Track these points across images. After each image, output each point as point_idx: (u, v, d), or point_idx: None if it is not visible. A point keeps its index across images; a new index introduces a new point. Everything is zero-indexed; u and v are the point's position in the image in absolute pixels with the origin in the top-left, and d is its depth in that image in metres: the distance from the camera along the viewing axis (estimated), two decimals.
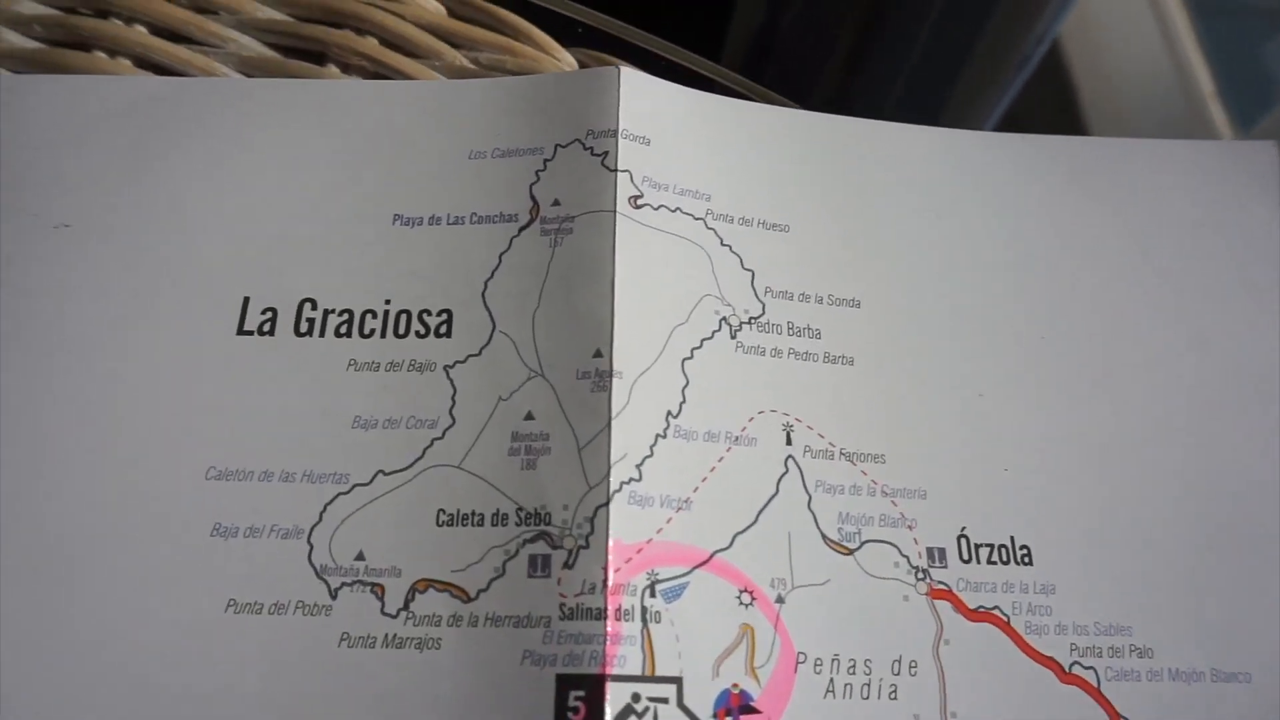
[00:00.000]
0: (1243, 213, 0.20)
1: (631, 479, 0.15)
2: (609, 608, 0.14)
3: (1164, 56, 1.10)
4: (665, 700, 0.14)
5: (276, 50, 0.21)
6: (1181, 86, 1.05)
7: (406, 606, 0.15)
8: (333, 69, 0.20)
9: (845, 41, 0.72)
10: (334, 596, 0.15)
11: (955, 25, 0.62)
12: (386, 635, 0.15)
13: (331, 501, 0.16)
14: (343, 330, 0.17)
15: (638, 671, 0.14)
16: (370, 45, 0.20)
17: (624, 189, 0.18)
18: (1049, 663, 0.16)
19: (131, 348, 0.17)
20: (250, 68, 0.20)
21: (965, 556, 0.16)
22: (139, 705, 0.14)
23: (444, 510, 0.16)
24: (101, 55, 0.20)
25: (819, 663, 0.15)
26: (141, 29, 0.21)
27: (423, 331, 0.17)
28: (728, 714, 0.14)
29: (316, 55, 0.21)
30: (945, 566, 0.16)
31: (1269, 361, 0.18)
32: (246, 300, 0.18)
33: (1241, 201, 0.20)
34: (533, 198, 0.18)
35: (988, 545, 0.16)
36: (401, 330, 0.17)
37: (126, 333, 0.17)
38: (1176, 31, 1.00)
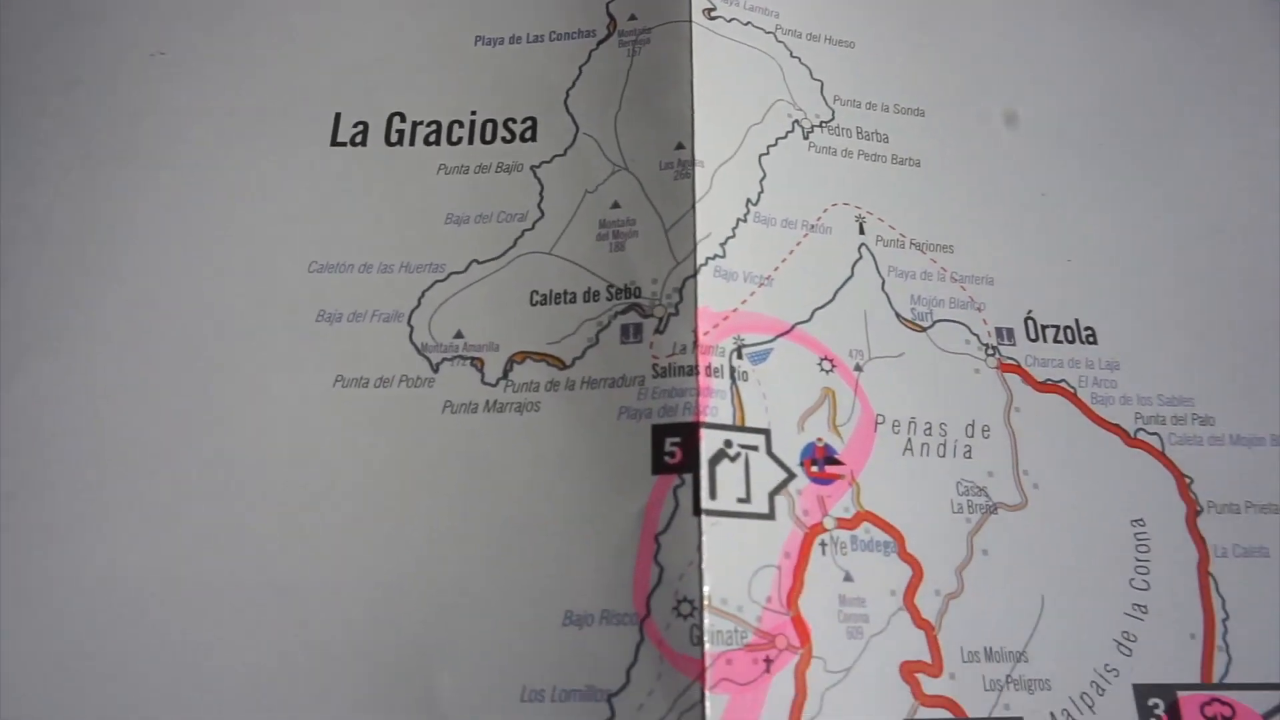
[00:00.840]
0: None
1: (716, 255, 0.16)
2: (700, 365, 0.15)
3: None
4: (755, 448, 0.15)
5: None
6: None
7: (506, 375, 0.16)
8: None
9: None
10: (435, 370, 0.16)
11: None
12: (487, 401, 0.16)
13: (429, 288, 0.17)
14: (431, 139, 0.18)
15: (729, 421, 0.15)
16: None
17: (698, 1, 0.18)
18: (1115, 429, 0.17)
19: (234, 162, 0.18)
20: None
21: (1032, 336, 0.17)
22: (257, 471, 0.15)
23: (537, 291, 0.16)
24: None
25: (897, 424, 0.16)
26: None
27: (508, 137, 0.18)
28: (813, 464, 0.15)
29: None
30: (1014, 344, 0.17)
31: None
32: (338, 116, 0.18)
33: None
34: (609, 14, 0.19)
35: (1054, 326, 0.17)
36: (488, 137, 0.18)
37: (228, 149, 0.18)
38: None
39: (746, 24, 0.19)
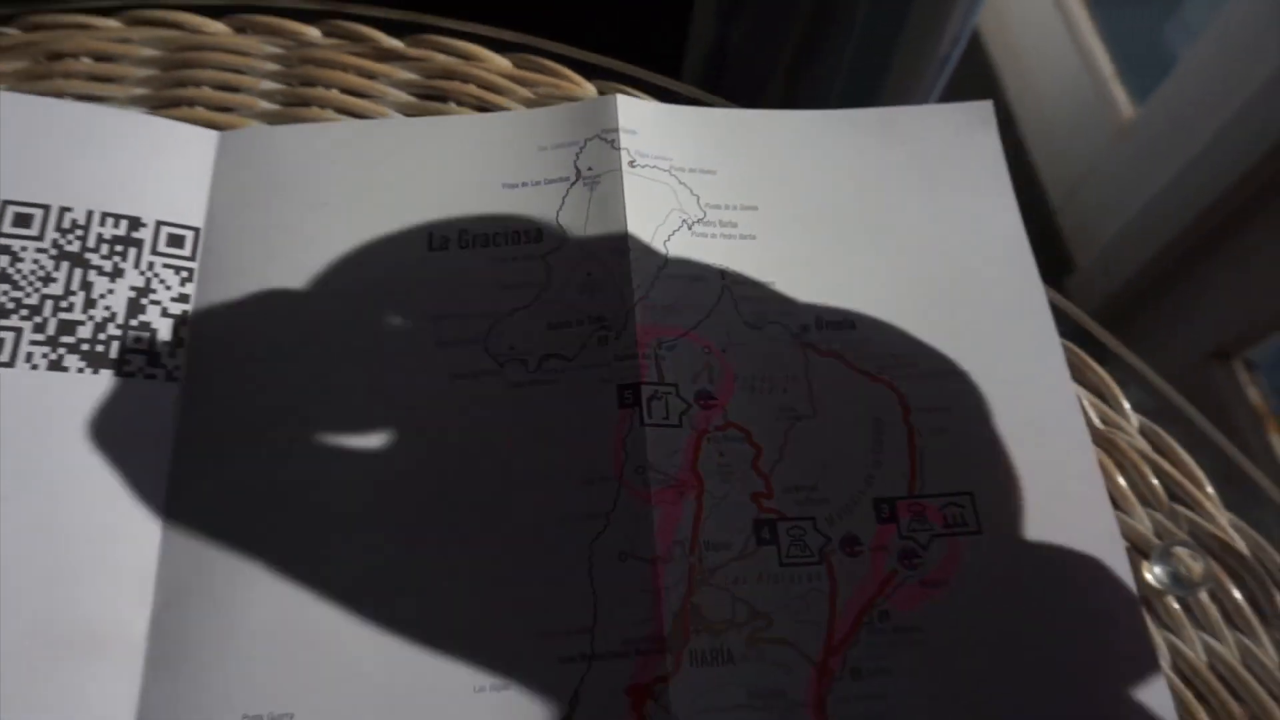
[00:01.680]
0: (972, 149, 0.35)
1: (644, 297, 0.30)
2: (640, 353, 0.29)
3: (1070, 48, 1.30)
4: (670, 393, 0.29)
5: (415, 97, 0.36)
6: (1087, 71, 1.24)
7: (540, 366, 0.30)
8: (452, 105, 0.36)
9: (785, 54, 0.90)
10: (501, 366, 0.30)
11: (875, 36, 0.79)
12: (531, 380, 0.30)
13: (495, 323, 0.31)
14: (484, 244, 0.32)
15: (655, 380, 0.29)
16: (472, 89, 0.36)
17: (625, 158, 0.33)
18: (865, 373, 0.31)
19: (373, 256, 0.32)
20: (405, 109, 0.36)
21: (820, 328, 0.32)
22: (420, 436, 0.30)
23: (552, 322, 0.31)
24: (317, 109, 0.36)
25: (746, 378, 0.30)
26: (336, 92, 0.36)
27: (526, 240, 0.32)
28: (699, 399, 0.30)
29: (441, 98, 0.36)
30: (810, 333, 0.31)
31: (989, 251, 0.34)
32: (430, 233, 0.33)
33: (973, 141, 0.35)
34: (577, 168, 0.33)
35: (831, 323, 0.32)
36: (516, 241, 0.32)
37: (369, 249, 0.32)
38: (1078, 26, 1.20)
39: (653, 167, 0.33)
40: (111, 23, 0.36)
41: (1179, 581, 0.30)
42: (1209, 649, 0.30)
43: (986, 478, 0.29)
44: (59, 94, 0.35)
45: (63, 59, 0.36)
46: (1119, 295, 1.25)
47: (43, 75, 0.35)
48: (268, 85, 0.36)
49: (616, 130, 0.33)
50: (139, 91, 0.35)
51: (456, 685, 0.25)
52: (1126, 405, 0.33)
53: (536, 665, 0.26)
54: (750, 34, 1.00)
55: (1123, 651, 0.27)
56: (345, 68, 0.36)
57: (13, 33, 0.36)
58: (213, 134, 0.33)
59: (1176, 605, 0.30)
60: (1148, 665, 0.27)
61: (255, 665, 0.26)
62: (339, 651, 0.26)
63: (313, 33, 0.37)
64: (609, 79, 0.36)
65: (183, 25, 0.37)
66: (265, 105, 0.35)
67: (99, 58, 0.36)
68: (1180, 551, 0.30)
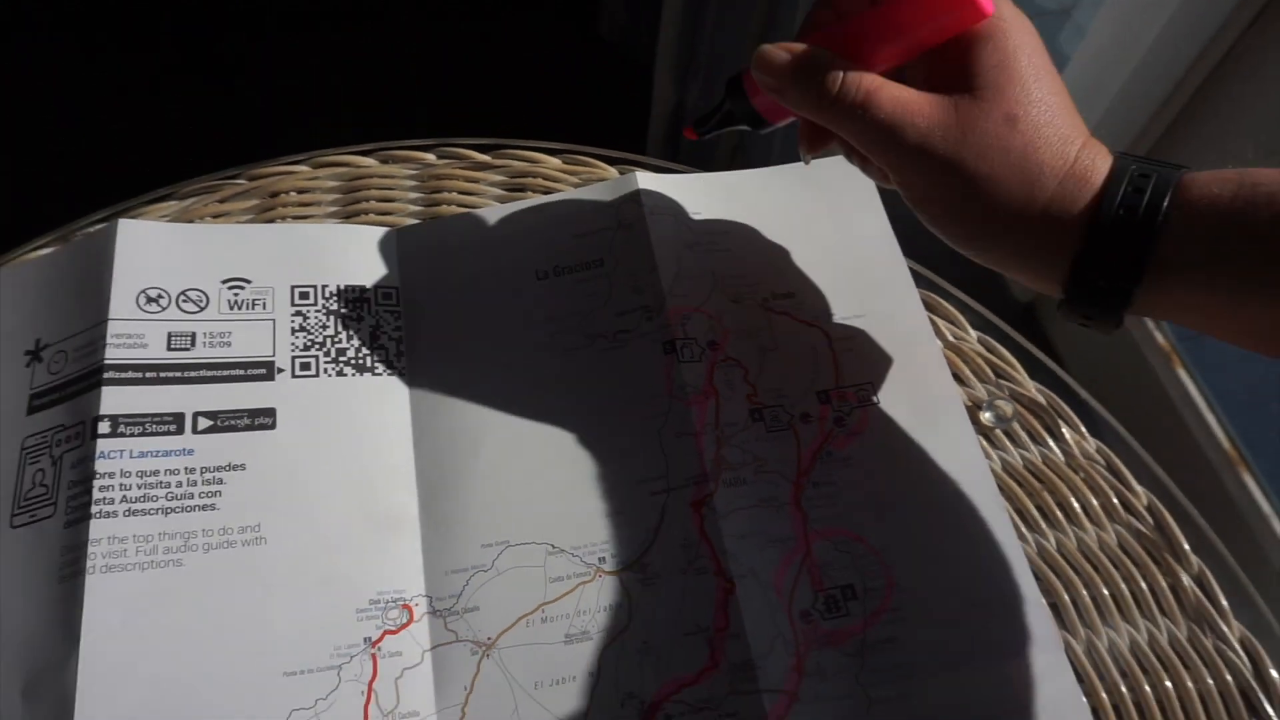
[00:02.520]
0: (859, 181, 0.57)
1: (670, 293, 0.53)
2: (671, 324, 0.51)
3: None
4: (692, 345, 0.51)
5: (504, 190, 0.58)
6: None
7: (614, 337, 0.52)
8: (529, 194, 0.58)
9: None
10: (591, 342, 0.52)
11: None
12: (611, 343, 0.52)
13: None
14: (570, 272, 0.54)
15: (682, 338, 0.51)
16: (539, 181, 0.58)
17: (646, 211, 0.55)
18: (805, 322, 0.53)
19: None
20: (499, 200, 0.58)
21: (778, 299, 0.54)
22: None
23: (617, 312, 0.53)
24: (444, 206, 0.58)
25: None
26: (455, 194, 0.58)
27: (592, 266, 0.54)
28: (710, 345, 0.52)
29: (521, 189, 0.58)
30: (780, 299, 0.53)
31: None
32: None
33: (858, 176, 0.57)
34: (617, 220, 0.55)
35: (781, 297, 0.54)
36: (575, 269, 0.54)
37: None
38: None
39: (664, 214, 0.55)
40: (304, 167, 0.58)
41: (1000, 419, 0.52)
42: (1024, 456, 0.51)
43: (879, 374, 0.51)
44: (281, 219, 0.56)
45: (278, 195, 0.57)
46: None
47: (269, 209, 0.57)
48: (412, 195, 0.58)
49: (638, 194, 0.55)
50: (331, 209, 0.57)
51: (596, 510, 0.47)
52: (969, 329, 0.55)
53: (640, 497, 0.47)
54: (702, 94, 1.24)
55: (963, 459, 0.49)
56: (456, 178, 0.58)
57: (241, 182, 0.58)
58: (393, 230, 0.55)
59: (1001, 434, 0.52)
60: (980, 468, 0.49)
61: (479, 518, 0.47)
62: (526, 503, 0.47)
63: (430, 157, 0.59)
64: (615, 163, 0.58)
65: (349, 164, 0.59)
66: (412, 207, 0.57)
67: (300, 191, 0.58)
68: (1000, 403, 0.52)
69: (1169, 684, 0.45)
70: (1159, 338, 1.38)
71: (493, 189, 0.57)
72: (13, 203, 1.39)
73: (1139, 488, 0.50)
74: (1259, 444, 1.33)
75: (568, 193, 0.56)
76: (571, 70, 1.61)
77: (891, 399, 0.50)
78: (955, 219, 0.37)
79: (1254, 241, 0.32)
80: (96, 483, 0.43)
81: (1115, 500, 0.50)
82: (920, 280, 0.55)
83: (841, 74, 0.37)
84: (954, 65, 0.37)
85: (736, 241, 0.53)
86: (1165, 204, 0.34)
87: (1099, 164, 0.36)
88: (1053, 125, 0.36)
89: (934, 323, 0.54)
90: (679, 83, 1.20)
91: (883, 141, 0.37)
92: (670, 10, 1.19)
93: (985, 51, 0.37)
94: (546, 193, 0.57)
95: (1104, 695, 0.45)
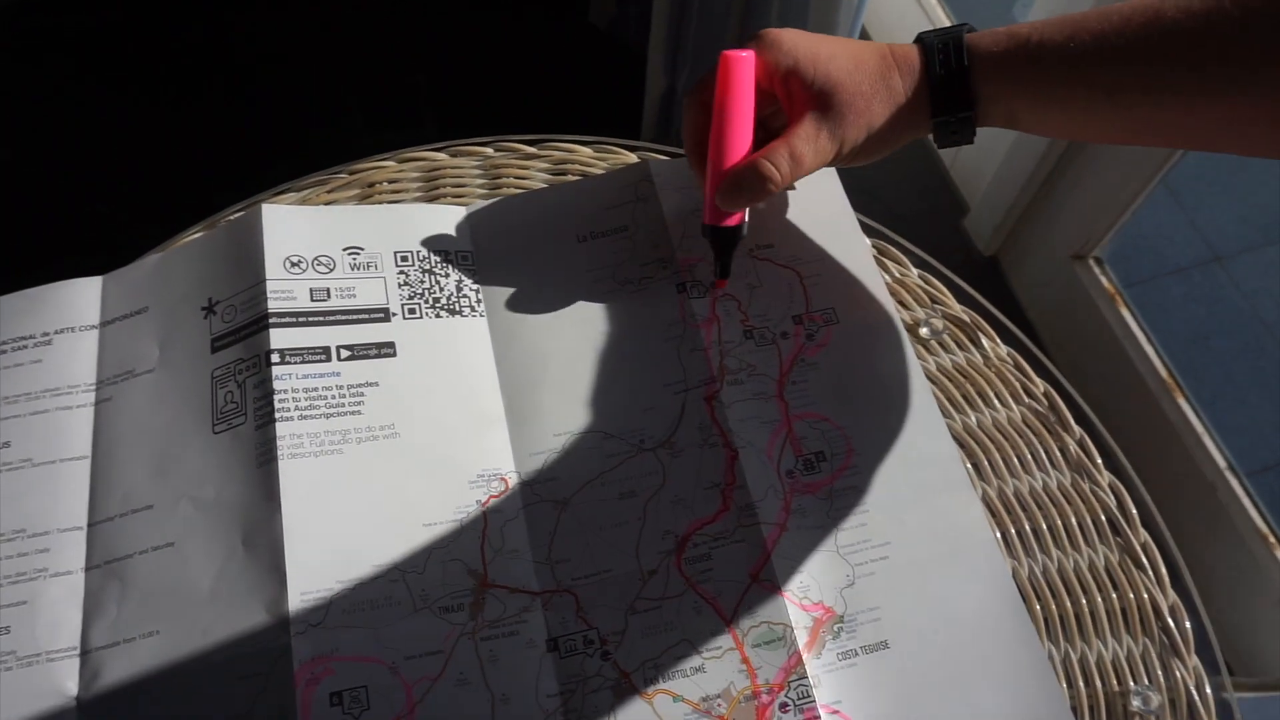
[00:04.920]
0: (826, 175, 0.74)
1: (679, 248, 0.70)
2: (680, 269, 0.69)
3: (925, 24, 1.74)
4: (700, 285, 0.69)
5: (549, 174, 0.75)
6: None
7: (639, 282, 0.69)
8: (569, 176, 0.75)
9: None
10: (621, 286, 0.69)
11: None
12: (635, 289, 0.69)
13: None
14: (594, 238, 0.71)
15: (693, 281, 0.69)
16: (576, 167, 0.75)
17: (657, 187, 0.72)
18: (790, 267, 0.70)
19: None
20: (544, 183, 0.75)
21: (757, 247, 0.71)
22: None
23: (644, 263, 0.70)
24: (503, 188, 0.75)
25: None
26: (511, 178, 0.75)
27: (615, 231, 0.71)
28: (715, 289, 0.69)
29: (563, 174, 0.75)
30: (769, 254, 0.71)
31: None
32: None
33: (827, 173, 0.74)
34: (635, 195, 0.72)
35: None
36: (607, 235, 0.71)
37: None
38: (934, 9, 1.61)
39: (671, 188, 0.72)
40: (392, 163, 0.75)
41: (934, 332, 0.69)
42: (952, 360, 0.69)
43: (839, 301, 0.68)
44: (379, 203, 0.73)
45: (374, 185, 0.74)
46: (1002, 223, 1.65)
47: (368, 195, 0.74)
48: (478, 180, 0.75)
49: (650, 175, 0.72)
50: (417, 194, 0.74)
51: (635, 406, 0.64)
52: (912, 267, 0.73)
53: (666, 395, 0.64)
54: (691, 78, 1.41)
55: (901, 360, 0.66)
56: (511, 166, 0.75)
57: (343, 176, 0.75)
58: (464, 208, 0.72)
59: (935, 344, 0.69)
60: (914, 366, 0.66)
61: (550, 416, 0.64)
62: (582, 403, 0.64)
63: (489, 151, 0.76)
64: (636, 150, 0.75)
65: (425, 158, 0.76)
66: (479, 190, 0.74)
67: (391, 181, 0.75)
68: (933, 320, 0.70)
69: (1057, 519, 0.62)
70: (1104, 282, 1.55)
71: (540, 173, 0.74)
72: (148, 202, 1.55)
73: (1038, 380, 0.67)
74: (1192, 371, 1.51)
75: (595, 177, 0.73)
76: (565, 59, 1.76)
77: (848, 319, 0.67)
78: (879, 151, 0.56)
79: (1030, 69, 0.49)
80: (276, 396, 0.60)
81: (1020, 388, 0.67)
82: (871, 231, 0.72)
83: (769, 166, 0.55)
84: (790, 91, 0.55)
85: None
86: (965, 59, 0.51)
87: (910, 52, 0.53)
88: (859, 57, 0.53)
89: (882, 263, 0.72)
90: (669, 68, 1.35)
91: (818, 165, 0.55)
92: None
93: (783, 71, 0.55)
94: (583, 175, 0.74)
95: (1010, 528, 0.62)
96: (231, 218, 0.69)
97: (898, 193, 1.66)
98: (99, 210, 1.50)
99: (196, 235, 0.68)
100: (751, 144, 0.56)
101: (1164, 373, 1.47)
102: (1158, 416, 1.46)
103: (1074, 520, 0.61)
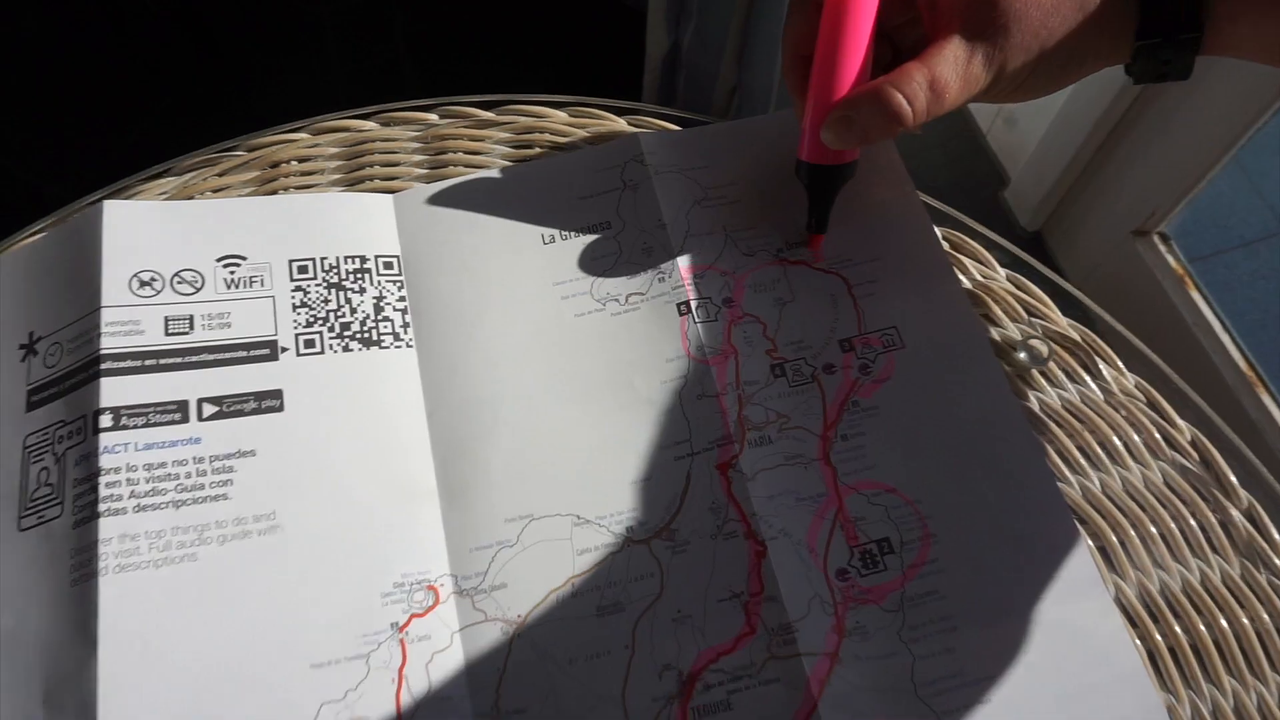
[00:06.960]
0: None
1: (679, 248, 0.50)
2: (685, 284, 0.49)
3: None
4: (709, 303, 0.49)
5: (511, 148, 0.56)
6: None
7: (625, 300, 0.50)
8: (536, 149, 0.55)
9: (728, 48, 1.10)
10: (604, 305, 0.50)
11: None
12: (625, 308, 0.50)
13: (598, 277, 0.51)
14: (586, 234, 0.52)
15: (696, 298, 0.49)
16: (546, 137, 0.56)
17: (651, 170, 0.53)
18: (830, 272, 0.51)
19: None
20: (506, 158, 0.56)
21: (789, 247, 0.51)
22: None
23: (620, 277, 0.51)
24: (451, 168, 0.55)
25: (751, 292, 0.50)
26: (461, 154, 0.56)
27: (599, 228, 0.52)
28: (726, 303, 0.50)
29: (529, 146, 0.56)
30: (791, 251, 0.51)
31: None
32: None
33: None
34: (622, 181, 0.53)
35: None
36: (585, 232, 0.52)
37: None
38: None
39: (669, 172, 0.53)
40: (304, 135, 0.56)
41: (1035, 359, 0.50)
42: (1061, 396, 0.49)
43: (904, 316, 0.49)
44: (285, 190, 0.54)
45: (278, 165, 0.55)
46: (1049, 196, 1.46)
47: (270, 179, 0.55)
48: (416, 158, 0.56)
49: (642, 153, 0.53)
50: (335, 177, 0.55)
51: (620, 478, 0.45)
52: (998, 266, 0.53)
53: (664, 462, 0.45)
54: (695, 38, 1.21)
55: (995, 401, 0.47)
56: (461, 137, 0.56)
57: (241, 153, 0.56)
58: (389, 197, 0.53)
59: (1037, 374, 0.50)
60: (1013, 409, 0.47)
61: (500, 492, 0.45)
62: (547, 474, 0.45)
63: (433, 118, 0.56)
64: (623, 113, 0.56)
65: (349, 128, 0.56)
66: (417, 171, 0.55)
67: (301, 160, 0.55)
68: (1034, 342, 0.50)
69: (1224, 623, 0.43)
70: (1171, 261, 1.35)
71: (499, 146, 0.55)
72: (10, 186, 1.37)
73: (1182, 423, 0.48)
74: (1275, 361, 1.31)
75: (576, 152, 0.54)
76: (562, 17, 1.57)
77: (917, 343, 0.48)
78: (1047, 85, 0.41)
79: None
80: (103, 479, 0.41)
81: (1158, 436, 0.48)
82: (941, 218, 0.52)
83: (898, 99, 0.41)
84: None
85: (745, 192, 0.51)
86: None
87: None
88: None
89: (959, 261, 0.52)
90: (672, 27, 1.17)
91: (965, 99, 0.41)
92: None
93: None
94: (555, 148, 0.55)
95: (1158, 638, 0.43)
96: (72, 217, 0.50)
97: (925, 161, 1.47)
98: None
99: (32, 238, 0.49)
100: (870, 63, 0.43)
101: (1242, 363, 1.27)
102: (1238, 415, 1.27)
103: (1251, 632, 0.42)
